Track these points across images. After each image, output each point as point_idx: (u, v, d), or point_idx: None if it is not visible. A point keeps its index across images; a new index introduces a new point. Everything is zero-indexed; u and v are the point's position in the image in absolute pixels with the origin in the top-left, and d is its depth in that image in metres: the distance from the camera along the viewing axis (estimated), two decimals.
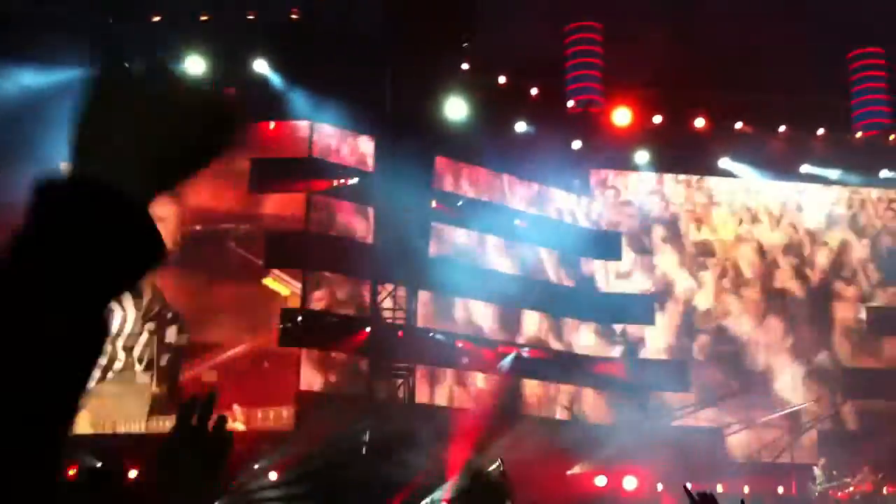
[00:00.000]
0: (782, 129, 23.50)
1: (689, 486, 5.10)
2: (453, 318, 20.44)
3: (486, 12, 21.49)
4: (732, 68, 24.31)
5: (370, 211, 19.60)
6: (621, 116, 22.98)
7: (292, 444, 16.18)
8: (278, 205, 19.14)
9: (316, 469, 15.33)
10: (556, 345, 21.93)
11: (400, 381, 18.13)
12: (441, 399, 19.73)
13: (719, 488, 19.18)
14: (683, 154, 23.33)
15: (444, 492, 14.50)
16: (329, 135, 19.73)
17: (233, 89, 19.40)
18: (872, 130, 24.43)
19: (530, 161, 21.83)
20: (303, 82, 18.84)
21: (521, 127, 21.83)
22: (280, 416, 17.29)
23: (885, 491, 18.83)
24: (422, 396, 19.07)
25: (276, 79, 19.20)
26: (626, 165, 23.55)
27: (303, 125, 19.47)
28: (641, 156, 23.26)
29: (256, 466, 15.37)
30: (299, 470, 15.61)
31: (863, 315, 23.84)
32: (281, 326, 18.04)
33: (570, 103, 23.71)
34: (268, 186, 19.10)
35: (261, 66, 19.23)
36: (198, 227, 18.28)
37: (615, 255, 23.35)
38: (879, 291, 24.13)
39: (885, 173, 23.96)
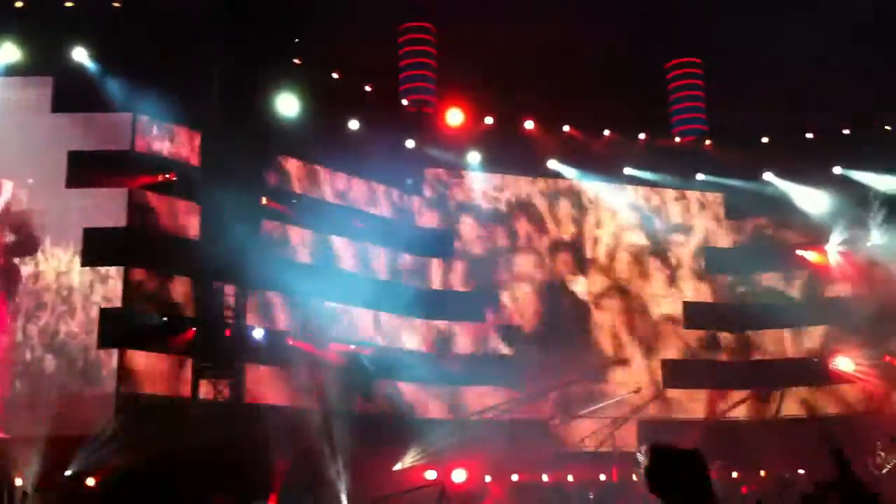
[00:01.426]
0: (606, 133, 24.34)
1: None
2: (284, 317, 20.14)
3: (318, 9, 21.39)
4: (560, 75, 25.14)
5: (196, 207, 19.03)
6: (454, 117, 23.30)
7: (111, 448, 15.53)
8: (98, 200, 18.32)
9: (137, 474, 14.74)
10: (386, 342, 21.95)
11: (227, 381, 17.64)
12: (271, 398, 19.38)
13: (545, 478, 19.75)
14: (514, 155, 23.84)
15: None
16: (153, 128, 19.03)
17: (50, 78, 18.61)
18: (690, 136, 25.71)
19: (364, 159, 21.78)
20: (125, 72, 18.12)
21: (354, 125, 21.76)
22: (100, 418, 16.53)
23: None
24: (251, 396, 18.68)
25: (95, 68, 18.44)
26: (459, 165, 23.86)
27: (124, 117, 18.69)
28: (473, 156, 23.63)
29: (68, 472, 14.59)
30: (118, 475, 14.97)
31: (679, 309, 25.01)
32: (100, 327, 17.28)
33: (404, 103, 23.91)
34: (87, 181, 18.28)
35: (79, 54, 18.44)
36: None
37: (448, 253, 23.63)
38: (695, 286, 25.39)
39: (700, 176, 25.18)
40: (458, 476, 18.45)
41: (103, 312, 17.51)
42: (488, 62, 25.25)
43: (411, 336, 22.51)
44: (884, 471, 19.45)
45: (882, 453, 19.56)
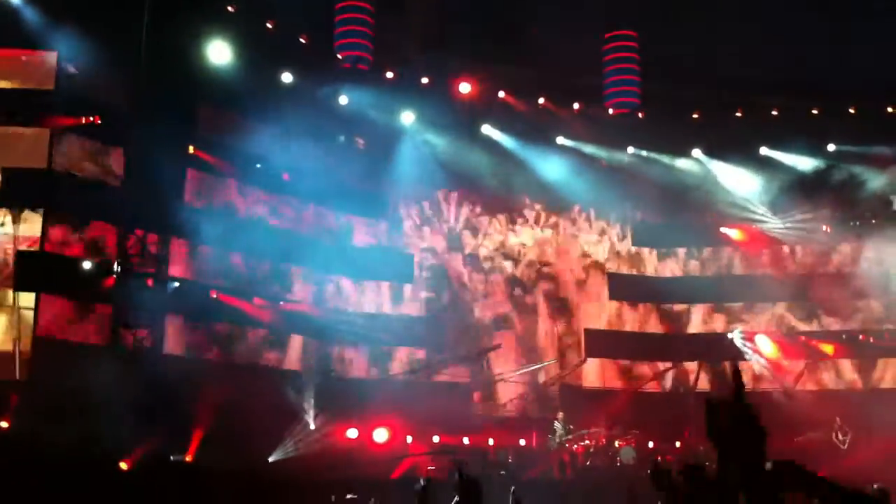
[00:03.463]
0: (541, 101, 24.30)
1: None
2: (208, 269, 19.74)
3: None
4: (495, 40, 25.02)
5: (121, 152, 18.45)
6: (388, 75, 22.99)
7: (23, 393, 15.08)
8: (19, 139, 17.62)
9: (48, 420, 14.32)
10: (317, 299, 21.76)
11: (146, 330, 17.20)
12: (191, 352, 19.07)
13: (465, 441, 19.86)
14: (449, 117, 23.65)
15: None
16: (78, 68, 18.29)
17: None
18: (623, 109, 25.84)
19: (296, 113, 21.36)
20: (51, 9, 17.39)
21: (287, 77, 21.31)
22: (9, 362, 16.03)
23: (616, 444, 20.06)
24: (171, 348, 18.32)
25: (20, 2, 17.64)
26: (392, 124, 23.58)
27: (50, 55, 17.95)
28: (408, 116, 23.38)
29: None
30: (30, 420, 14.55)
31: (605, 280, 25.33)
32: (16, 269, 16.69)
33: (339, 57, 23.50)
34: (7, 119, 17.56)
35: None
36: None
37: (379, 213, 23.46)
38: (622, 259, 25.72)
39: (631, 150, 25.38)
40: (380, 436, 18.46)
41: (20, 255, 16.89)
42: (425, 26, 25.07)
43: (337, 294, 22.34)
44: (845, 445, 20.17)
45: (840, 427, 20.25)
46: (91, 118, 18.22)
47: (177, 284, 18.38)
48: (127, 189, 17.91)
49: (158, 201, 17.62)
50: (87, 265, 17.29)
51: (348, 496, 14.41)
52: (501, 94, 23.89)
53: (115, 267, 17.37)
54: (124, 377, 15.42)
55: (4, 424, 14.72)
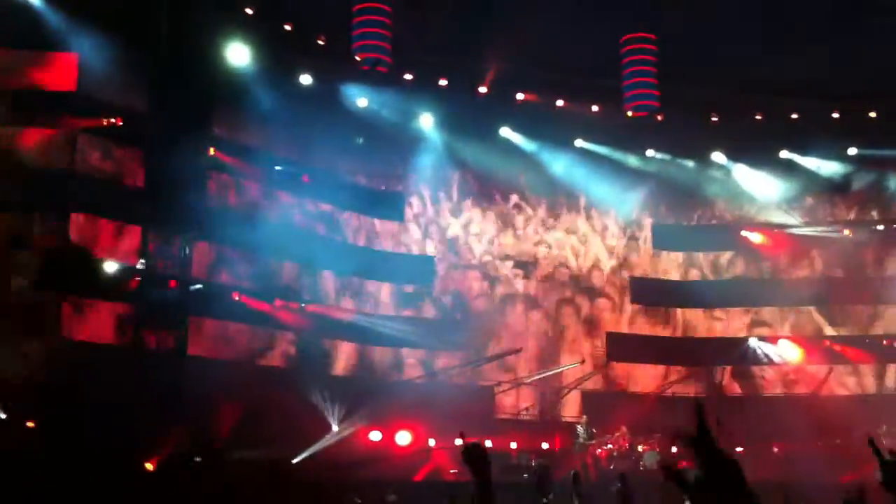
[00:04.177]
0: (560, 102, 24.17)
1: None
2: (229, 271, 19.66)
3: None
4: (513, 42, 24.90)
5: (142, 154, 18.39)
6: (406, 77, 22.90)
7: (48, 393, 14.98)
8: (40, 141, 17.56)
9: (73, 421, 14.22)
10: (347, 303, 21.66)
11: (170, 332, 17.10)
12: (214, 354, 18.95)
13: (489, 444, 19.67)
14: (468, 119, 23.55)
15: None
16: (99, 71, 18.19)
17: None
18: (641, 112, 25.70)
19: (315, 115, 21.30)
20: (73, 12, 17.35)
21: (306, 79, 21.22)
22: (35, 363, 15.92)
23: (639, 448, 19.88)
24: (194, 350, 18.20)
25: (42, 5, 17.60)
26: (409, 127, 23.48)
27: (71, 57, 17.90)
28: (426, 117, 23.28)
29: (3, 416, 13.99)
30: (55, 421, 14.44)
31: (626, 284, 25.18)
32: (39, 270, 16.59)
33: (357, 59, 23.42)
34: (29, 121, 17.52)
35: None
36: None
37: (396, 214, 23.34)
38: (643, 263, 25.56)
39: (650, 152, 25.24)
40: (403, 438, 18.32)
41: (46, 254, 16.81)
42: (444, 27, 24.95)
43: (356, 296, 22.24)
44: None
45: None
46: (112, 119, 18.16)
47: (199, 286, 18.27)
48: (148, 190, 17.83)
49: (179, 202, 17.54)
50: (109, 267, 17.19)
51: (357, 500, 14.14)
52: (520, 95, 23.77)
53: (138, 268, 17.29)
54: (147, 379, 15.34)
55: (31, 424, 14.62)
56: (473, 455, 4.59)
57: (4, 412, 14.00)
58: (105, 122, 18.22)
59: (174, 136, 17.61)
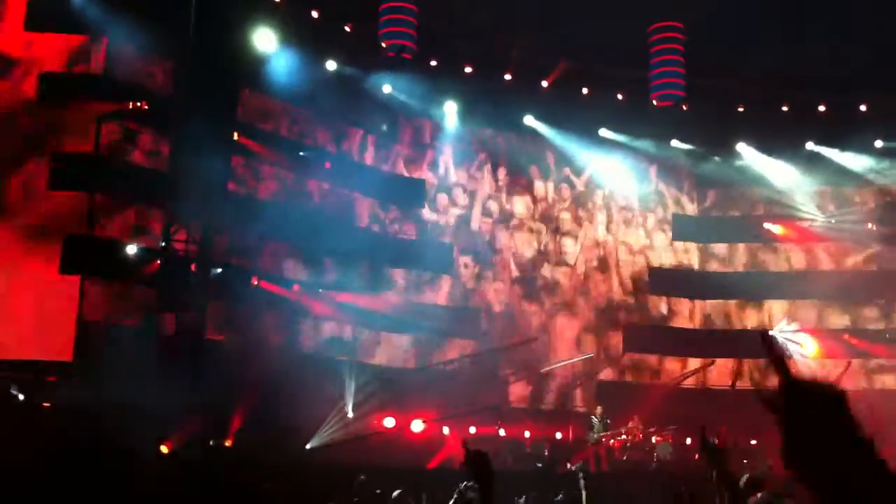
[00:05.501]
0: (584, 91, 24.15)
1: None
2: (251, 256, 19.93)
3: None
4: (539, 30, 24.84)
5: (167, 138, 18.65)
6: (432, 64, 22.97)
7: (67, 374, 15.33)
8: (67, 123, 17.87)
9: (91, 402, 14.56)
10: (366, 290, 21.90)
11: (188, 315, 17.40)
12: (233, 337, 19.22)
13: (502, 432, 19.90)
14: (492, 107, 23.62)
15: None
16: (126, 55, 18.49)
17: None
18: (667, 101, 25.59)
19: (340, 101, 21.47)
20: None
21: (331, 65, 21.38)
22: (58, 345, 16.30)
23: (653, 440, 19.99)
24: (213, 333, 18.50)
25: None
26: (434, 115, 23.59)
27: (99, 41, 18.20)
28: (451, 105, 23.36)
29: (20, 396, 14.35)
30: (73, 402, 14.79)
31: (645, 275, 25.19)
32: (62, 252, 16.95)
33: (383, 46, 23.49)
34: (56, 104, 17.83)
35: None
36: None
37: (418, 201, 23.48)
38: (664, 252, 25.54)
39: (675, 143, 25.18)
40: (416, 426, 18.54)
41: (67, 238, 17.16)
42: (470, 13, 24.89)
43: (377, 282, 22.44)
44: None
45: None
46: (138, 104, 18.42)
47: (219, 270, 18.54)
48: (172, 174, 18.09)
49: (203, 187, 17.75)
50: (131, 249, 17.50)
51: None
52: (545, 83, 23.77)
53: (160, 251, 17.59)
54: (166, 361, 15.64)
55: (47, 405, 14.99)
56: (477, 464, 4.68)
57: (21, 393, 14.34)
58: (131, 106, 18.48)
59: (199, 120, 17.84)
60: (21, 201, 17.33)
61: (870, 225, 24.88)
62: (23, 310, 16.58)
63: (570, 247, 24.88)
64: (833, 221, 24.99)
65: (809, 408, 1.80)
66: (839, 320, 24.75)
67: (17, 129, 17.55)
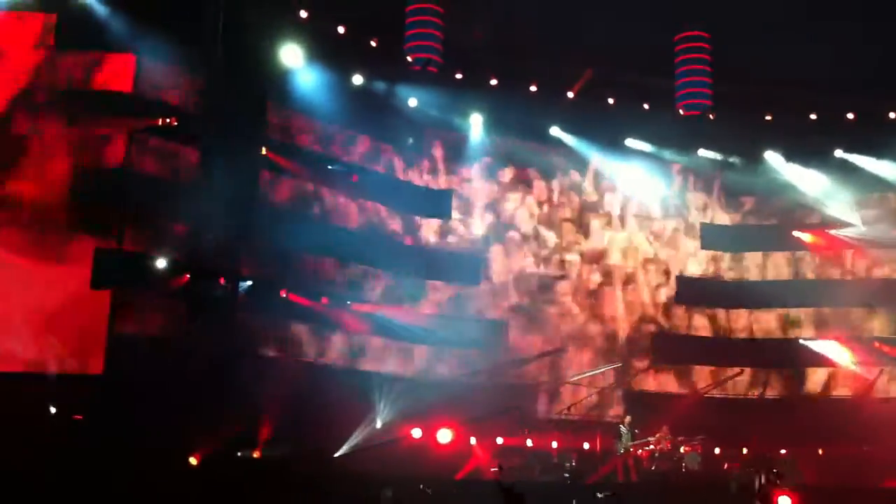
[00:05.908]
0: (610, 101, 24.15)
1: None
2: (279, 269, 20.10)
3: None
4: (562, 41, 24.92)
5: (196, 154, 18.89)
6: (457, 77, 23.12)
7: (97, 387, 15.55)
8: (97, 140, 18.17)
9: (120, 414, 14.78)
10: (394, 302, 22.01)
11: (217, 329, 17.57)
12: (261, 350, 19.42)
13: (529, 443, 19.91)
14: (517, 120, 23.71)
15: None
16: (155, 71, 18.76)
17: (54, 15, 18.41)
18: (694, 111, 25.58)
19: (366, 115, 21.66)
20: (130, 13, 17.90)
21: (358, 80, 21.56)
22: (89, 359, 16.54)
23: (682, 450, 19.90)
24: (242, 346, 18.65)
25: (100, 7, 18.20)
26: (460, 127, 23.69)
27: (128, 59, 18.48)
28: (476, 117, 23.48)
29: (53, 409, 14.57)
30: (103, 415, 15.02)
31: (672, 284, 25.09)
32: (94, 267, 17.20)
33: (409, 60, 23.70)
34: (87, 121, 18.13)
35: None
36: None
37: (445, 213, 23.59)
38: (691, 262, 25.44)
39: (702, 152, 25.12)
40: (444, 436, 18.58)
41: (98, 252, 17.42)
42: (494, 28, 25.06)
43: (404, 295, 22.56)
44: None
45: None
46: (167, 119, 18.68)
47: (249, 283, 18.74)
48: (201, 189, 18.32)
49: (231, 201, 17.96)
50: (160, 263, 17.72)
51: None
52: (570, 94, 23.81)
53: (188, 264, 17.80)
54: (196, 374, 15.83)
55: (78, 418, 15.21)
56: (511, 497, 4.86)
57: (55, 406, 14.57)
58: (160, 122, 18.76)
59: (227, 136, 18.10)
60: (52, 213, 17.58)
61: None
62: (54, 323, 16.83)
63: (598, 255, 24.85)
64: (862, 229, 24.77)
65: None
66: (870, 328, 24.50)
67: (47, 144, 17.86)
